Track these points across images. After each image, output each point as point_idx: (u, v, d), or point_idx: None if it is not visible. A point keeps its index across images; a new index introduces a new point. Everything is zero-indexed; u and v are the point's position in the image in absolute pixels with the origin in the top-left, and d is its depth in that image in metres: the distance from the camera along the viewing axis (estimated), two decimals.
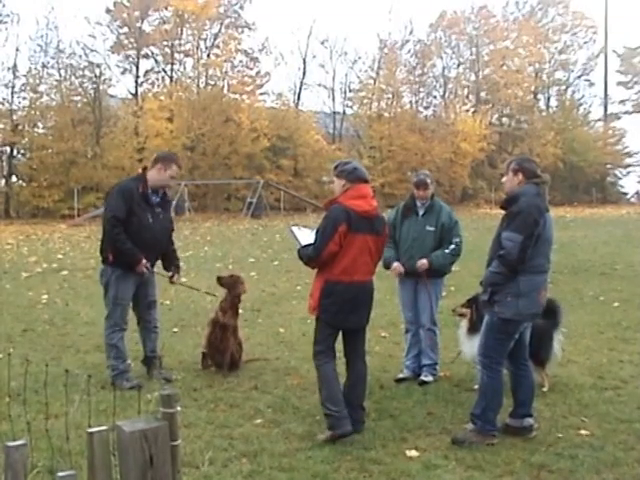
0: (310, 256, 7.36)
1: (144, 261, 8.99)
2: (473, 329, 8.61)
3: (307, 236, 7.65)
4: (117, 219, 8.91)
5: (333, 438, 7.07)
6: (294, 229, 8.02)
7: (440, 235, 9.31)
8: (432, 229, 9.30)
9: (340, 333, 7.59)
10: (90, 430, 3.31)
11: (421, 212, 9.40)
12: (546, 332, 8.70)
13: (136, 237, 8.94)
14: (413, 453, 6.77)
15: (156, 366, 9.43)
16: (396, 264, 9.31)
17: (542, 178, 7.33)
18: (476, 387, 7.89)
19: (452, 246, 9.30)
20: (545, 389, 8.69)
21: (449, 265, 9.51)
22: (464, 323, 8.98)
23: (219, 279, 10.01)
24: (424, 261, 9.19)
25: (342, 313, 7.32)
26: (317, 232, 7.41)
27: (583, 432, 7.34)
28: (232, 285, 9.85)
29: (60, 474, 3.29)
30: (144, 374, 9.43)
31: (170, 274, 9.66)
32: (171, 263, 9.67)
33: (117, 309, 9.11)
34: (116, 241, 8.92)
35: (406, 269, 9.36)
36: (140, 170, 9.39)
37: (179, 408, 3.44)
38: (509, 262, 6.93)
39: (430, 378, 9.26)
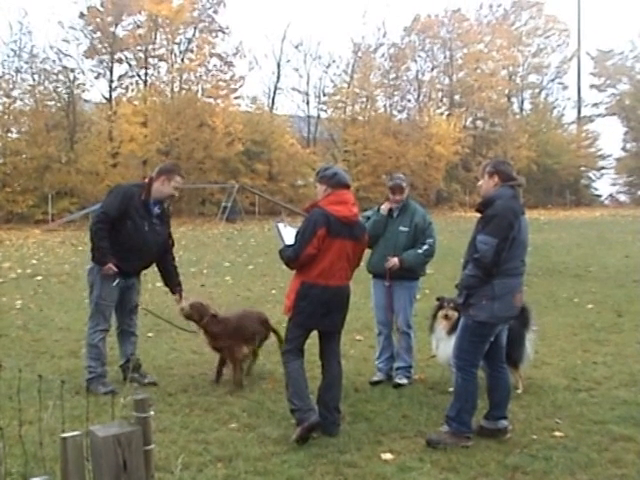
0: (289, 257, 7.43)
1: (110, 265, 8.90)
2: (453, 329, 8.52)
3: (291, 235, 7.69)
4: (106, 216, 8.92)
5: (303, 432, 7.09)
6: (280, 226, 8.05)
7: (414, 236, 9.33)
8: (406, 230, 9.32)
9: (317, 335, 7.65)
10: (63, 435, 3.30)
11: (395, 213, 9.42)
12: (518, 333, 8.72)
13: (127, 241, 8.96)
14: (388, 456, 6.77)
15: (135, 369, 9.42)
16: (392, 260, 9.30)
17: (518, 181, 7.35)
18: (451, 390, 7.92)
19: (425, 247, 9.32)
20: (519, 391, 8.73)
21: (422, 266, 9.51)
22: (445, 324, 8.94)
23: (182, 310, 9.55)
24: (395, 260, 9.22)
25: (316, 316, 7.40)
26: (297, 234, 7.47)
27: (557, 434, 7.37)
28: (196, 317, 9.50)
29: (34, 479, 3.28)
30: (119, 380, 9.41)
31: (176, 297, 9.67)
32: (173, 282, 9.66)
33: (99, 309, 9.09)
34: (95, 235, 8.94)
35: (378, 270, 9.40)
36: (147, 179, 9.34)
37: (152, 412, 3.44)
38: (484, 265, 6.95)
39: (405, 381, 9.27)
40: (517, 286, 7.25)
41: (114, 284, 9.05)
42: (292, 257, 7.41)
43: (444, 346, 8.74)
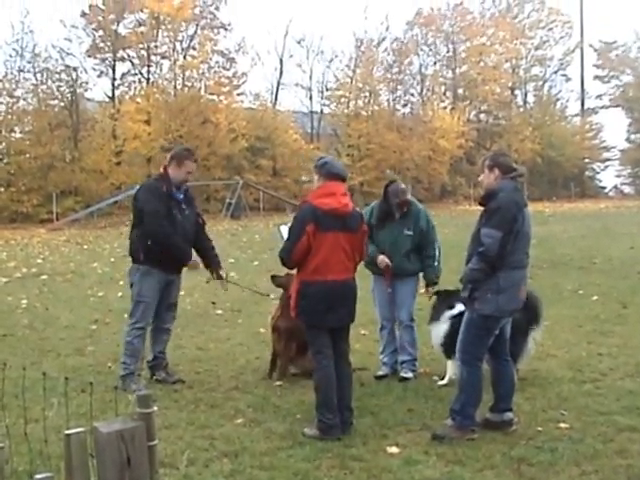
0: (282, 257, 7.39)
1: (194, 258, 9.16)
2: (432, 319, 9.16)
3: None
4: (157, 212, 8.96)
5: (318, 438, 7.08)
6: (282, 228, 8.01)
7: (418, 239, 9.33)
8: (410, 233, 9.30)
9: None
10: (67, 432, 3.31)
11: (397, 215, 9.37)
12: (522, 329, 8.67)
13: None
14: (394, 449, 6.78)
15: (162, 367, 9.47)
16: (381, 257, 9.31)
17: (518, 171, 7.34)
18: (441, 383, 8.42)
19: (436, 253, 9.41)
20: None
21: (440, 270, 9.66)
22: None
23: (273, 278, 9.94)
24: (384, 258, 9.29)
25: (318, 313, 7.30)
26: (288, 233, 7.44)
27: (562, 425, 7.37)
28: (287, 285, 9.53)
29: (37, 476, 3.28)
30: (145, 376, 9.50)
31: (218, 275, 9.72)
32: (211, 260, 9.64)
33: (139, 306, 9.14)
34: (164, 237, 8.97)
35: (379, 270, 9.42)
36: (162, 169, 9.35)
37: (156, 408, 3.45)
38: (489, 258, 6.95)
39: (410, 375, 9.28)
40: (522, 279, 7.26)
41: (156, 280, 9.11)
42: (284, 257, 7.37)
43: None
